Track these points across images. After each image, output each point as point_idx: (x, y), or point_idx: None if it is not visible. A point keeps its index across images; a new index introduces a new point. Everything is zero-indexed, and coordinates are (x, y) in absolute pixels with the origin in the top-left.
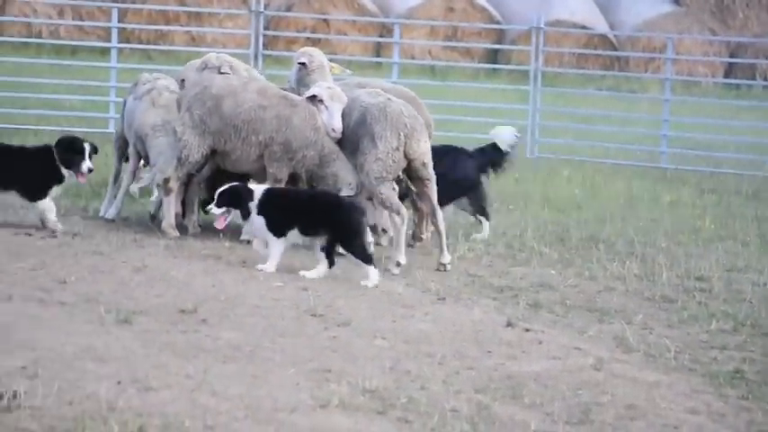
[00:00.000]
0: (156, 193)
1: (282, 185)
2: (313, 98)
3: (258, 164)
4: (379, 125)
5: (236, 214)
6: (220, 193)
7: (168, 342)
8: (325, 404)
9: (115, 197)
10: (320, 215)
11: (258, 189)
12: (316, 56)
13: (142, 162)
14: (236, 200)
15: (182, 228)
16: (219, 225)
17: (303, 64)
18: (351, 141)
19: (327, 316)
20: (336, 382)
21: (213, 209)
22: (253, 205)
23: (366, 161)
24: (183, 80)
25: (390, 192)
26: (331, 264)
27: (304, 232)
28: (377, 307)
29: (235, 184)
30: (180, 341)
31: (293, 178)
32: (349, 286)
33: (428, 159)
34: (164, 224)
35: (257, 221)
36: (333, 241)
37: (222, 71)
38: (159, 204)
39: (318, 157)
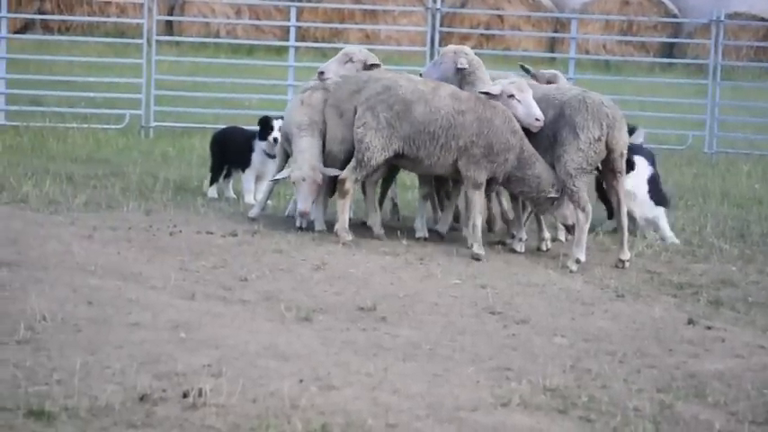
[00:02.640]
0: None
1: (482, 190)
2: (490, 95)
3: (453, 167)
4: (581, 115)
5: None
6: None
7: (348, 340)
8: (506, 403)
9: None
10: None
11: None
12: (470, 54)
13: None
14: None
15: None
16: None
17: (463, 69)
18: (546, 137)
19: (506, 313)
20: (517, 380)
21: None
22: None
23: (566, 152)
24: (322, 72)
25: (583, 186)
26: None
27: None
28: (555, 304)
29: None
30: (360, 339)
31: (490, 181)
32: (527, 283)
33: (626, 151)
34: (337, 227)
35: None
36: None
37: (371, 64)
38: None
39: (517, 161)
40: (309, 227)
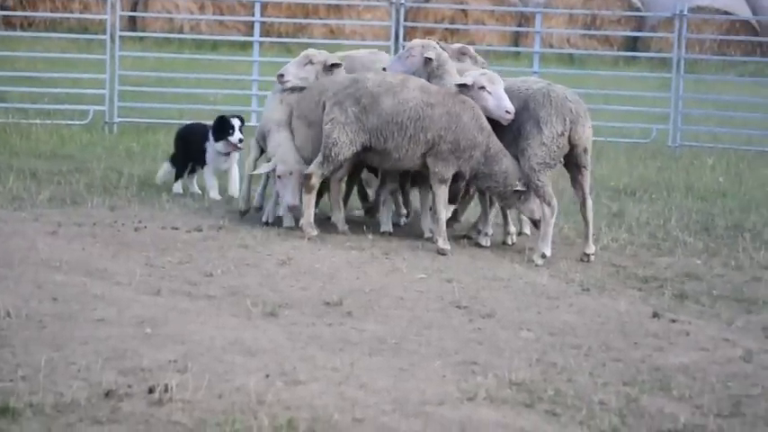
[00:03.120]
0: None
1: (447, 185)
2: (464, 87)
3: (421, 161)
4: (545, 110)
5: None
6: None
7: (314, 335)
8: (472, 397)
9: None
10: None
11: None
12: (438, 48)
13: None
14: None
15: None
16: None
17: (431, 59)
18: (510, 130)
19: (472, 308)
20: (483, 374)
21: None
22: None
23: (529, 146)
24: (281, 75)
25: (547, 180)
26: None
27: None
28: (521, 298)
29: None
30: (326, 334)
31: (456, 175)
32: (493, 278)
33: (590, 146)
34: (302, 222)
35: None
36: None
37: (331, 64)
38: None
39: (484, 157)
40: (275, 222)
